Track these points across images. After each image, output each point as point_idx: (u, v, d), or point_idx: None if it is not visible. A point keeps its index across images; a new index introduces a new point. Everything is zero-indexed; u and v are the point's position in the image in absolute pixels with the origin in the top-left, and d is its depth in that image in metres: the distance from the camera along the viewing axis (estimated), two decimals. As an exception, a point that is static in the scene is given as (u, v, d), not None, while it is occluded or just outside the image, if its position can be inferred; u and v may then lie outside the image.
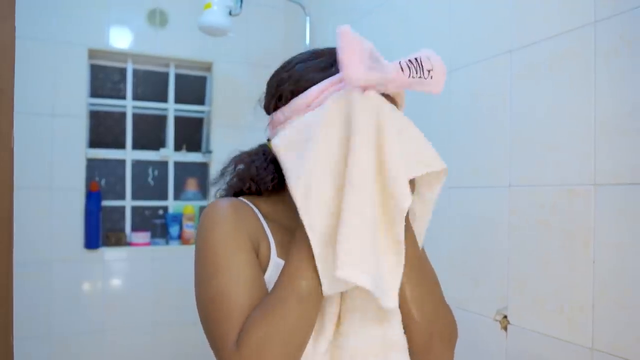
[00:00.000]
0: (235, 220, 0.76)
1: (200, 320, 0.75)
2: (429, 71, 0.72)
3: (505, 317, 1.24)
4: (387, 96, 0.76)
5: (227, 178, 0.92)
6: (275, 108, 0.82)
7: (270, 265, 0.77)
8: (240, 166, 0.90)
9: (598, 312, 1.01)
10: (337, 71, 0.75)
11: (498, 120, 1.28)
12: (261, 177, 0.86)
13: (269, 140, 0.85)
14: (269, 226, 0.80)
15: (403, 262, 0.65)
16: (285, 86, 0.80)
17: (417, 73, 0.72)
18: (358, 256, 0.62)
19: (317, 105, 0.76)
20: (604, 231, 1.00)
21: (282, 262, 0.77)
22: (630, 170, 0.95)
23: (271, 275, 0.76)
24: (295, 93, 0.78)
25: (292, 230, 0.74)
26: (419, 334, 0.75)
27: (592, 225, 1.02)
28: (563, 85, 1.10)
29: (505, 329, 1.24)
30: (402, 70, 0.71)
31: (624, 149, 0.96)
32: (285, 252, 0.77)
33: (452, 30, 1.48)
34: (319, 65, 0.80)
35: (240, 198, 0.84)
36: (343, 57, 0.67)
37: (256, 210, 0.81)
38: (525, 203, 1.20)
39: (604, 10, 1.01)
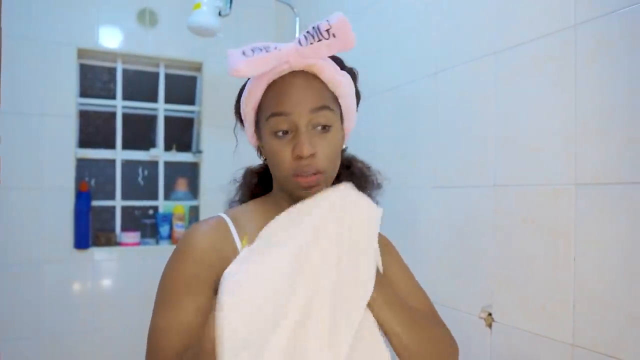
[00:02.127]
0: (201, 253, 0.79)
1: None
2: (327, 31, 0.73)
3: (490, 314, 1.26)
4: (309, 74, 0.78)
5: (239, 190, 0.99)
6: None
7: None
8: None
9: (578, 309, 1.03)
10: None
11: (483, 121, 1.31)
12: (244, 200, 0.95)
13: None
14: (242, 242, 0.82)
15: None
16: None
17: (314, 38, 0.74)
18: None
19: (246, 105, 0.84)
20: (584, 230, 1.03)
21: None
22: (609, 171, 0.98)
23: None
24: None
25: None
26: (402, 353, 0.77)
27: (573, 223, 1.05)
28: (545, 86, 1.13)
29: (490, 326, 1.26)
30: (300, 43, 0.75)
31: (604, 149, 0.99)
32: None
33: (438, 32, 1.50)
34: None
35: (224, 217, 0.85)
36: (228, 64, 0.73)
37: (233, 230, 0.83)
38: (510, 202, 1.22)
39: (584, 13, 1.03)
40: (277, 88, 0.78)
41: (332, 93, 0.80)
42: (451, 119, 1.43)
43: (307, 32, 0.74)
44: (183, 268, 0.78)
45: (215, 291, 0.79)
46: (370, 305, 0.73)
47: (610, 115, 0.98)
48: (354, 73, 0.88)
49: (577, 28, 1.05)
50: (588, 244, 1.02)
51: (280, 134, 0.76)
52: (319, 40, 0.73)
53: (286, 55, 0.75)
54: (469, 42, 1.36)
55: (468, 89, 1.37)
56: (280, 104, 0.76)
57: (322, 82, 0.79)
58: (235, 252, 0.81)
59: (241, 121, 0.91)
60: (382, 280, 0.77)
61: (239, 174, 0.98)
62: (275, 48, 0.74)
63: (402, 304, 0.78)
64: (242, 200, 0.96)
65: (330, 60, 0.81)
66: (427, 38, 1.54)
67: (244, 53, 0.73)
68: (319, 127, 0.77)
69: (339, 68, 0.82)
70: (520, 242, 1.18)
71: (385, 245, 0.92)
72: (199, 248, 0.79)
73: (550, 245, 1.10)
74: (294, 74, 0.78)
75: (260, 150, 0.89)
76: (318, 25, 0.74)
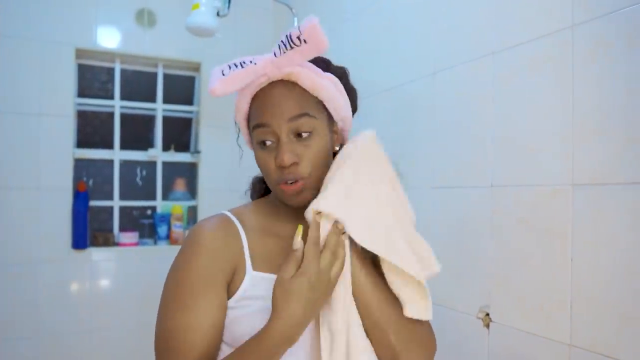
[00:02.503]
0: (214, 250, 0.80)
1: (154, 347, 0.78)
2: (298, 37, 0.73)
3: (488, 314, 1.26)
4: (289, 83, 0.80)
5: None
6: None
7: (245, 279, 0.80)
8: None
9: (576, 309, 1.03)
10: None
11: (481, 121, 1.31)
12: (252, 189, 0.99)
13: None
14: (249, 241, 0.83)
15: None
16: None
17: (287, 47, 0.74)
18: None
19: (238, 112, 0.86)
20: (581, 230, 1.03)
21: (257, 274, 0.81)
22: (607, 171, 0.98)
23: (246, 288, 0.79)
24: None
25: (275, 237, 0.84)
26: (382, 344, 0.77)
27: (570, 224, 1.05)
28: (543, 87, 1.13)
29: (488, 326, 1.26)
30: (275, 54, 0.76)
31: (601, 150, 0.99)
32: (264, 262, 0.82)
33: (436, 32, 1.50)
34: None
35: (228, 214, 0.87)
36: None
37: (239, 228, 0.84)
38: (507, 203, 1.22)
39: (582, 14, 1.03)
40: (259, 100, 0.80)
41: (315, 98, 0.81)
42: (449, 119, 1.43)
43: (281, 41, 0.75)
44: (197, 265, 0.78)
45: (227, 288, 0.80)
46: (354, 283, 0.75)
47: (607, 116, 0.98)
48: (343, 72, 0.89)
49: (574, 29, 1.05)
50: (585, 244, 1.02)
51: (264, 144, 0.79)
52: (292, 48, 0.74)
53: (262, 68, 0.77)
54: (468, 43, 1.37)
55: (466, 89, 1.37)
56: (261, 116, 0.78)
57: (302, 89, 0.79)
58: (241, 249, 0.82)
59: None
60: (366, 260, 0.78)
61: (249, 185, 1.01)
62: (251, 62, 0.76)
63: (383, 284, 0.77)
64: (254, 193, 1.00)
65: (311, 65, 0.81)
66: (426, 38, 1.54)
67: (222, 72, 0.77)
68: (301, 134, 0.78)
69: (321, 71, 0.82)
70: (517, 242, 1.19)
71: None
72: (210, 244, 0.80)
73: (548, 246, 1.10)
74: (273, 84, 0.79)
75: None
76: (290, 33, 0.75)
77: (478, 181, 1.31)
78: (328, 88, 0.81)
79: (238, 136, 0.94)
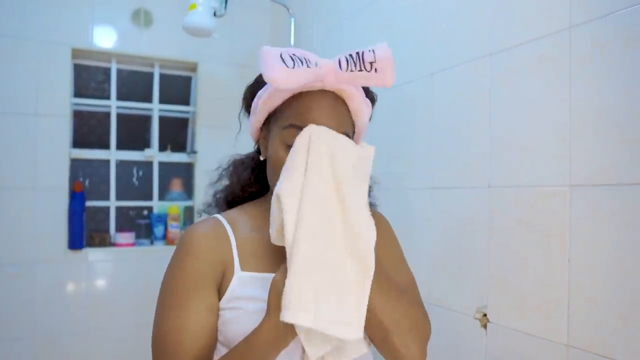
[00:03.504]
0: (203, 252, 0.80)
1: (151, 349, 0.79)
2: (371, 64, 0.72)
3: (485, 315, 1.27)
4: (338, 98, 0.78)
5: (223, 181, 0.97)
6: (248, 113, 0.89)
7: (233, 280, 0.80)
8: (226, 178, 0.97)
9: (573, 310, 1.04)
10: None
11: (478, 122, 1.31)
12: (235, 193, 0.94)
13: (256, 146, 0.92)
14: (237, 241, 0.83)
15: (367, 297, 0.67)
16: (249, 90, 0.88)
17: (356, 67, 0.72)
18: (308, 295, 0.64)
19: (258, 107, 0.82)
20: (578, 230, 1.03)
21: (245, 274, 0.81)
22: (604, 172, 0.98)
23: (234, 289, 0.80)
24: (255, 96, 0.85)
25: (266, 236, 0.80)
26: (374, 326, 0.74)
27: (568, 224, 1.05)
28: (540, 88, 1.13)
29: (485, 327, 1.26)
30: (340, 65, 0.73)
31: (598, 151, 0.99)
32: (253, 262, 0.82)
33: (434, 33, 1.50)
34: None
35: (218, 217, 0.87)
36: (262, 66, 0.70)
37: (228, 229, 0.84)
38: (504, 203, 1.22)
39: (579, 16, 1.04)
40: (302, 101, 0.76)
41: (352, 120, 0.81)
42: (447, 120, 1.43)
43: (350, 55, 0.73)
44: (188, 268, 0.79)
45: (218, 290, 0.80)
46: None
47: (605, 117, 0.98)
48: (374, 100, 0.88)
49: (572, 30, 1.05)
50: (583, 245, 1.02)
51: (290, 145, 0.75)
52: (360, 70, 0.72)
53: (324, 75, 0.74)
54: (466, 44, 1.37)
55: (464, 90, 1.37)
56: (303, 119, 0.75)
57: (347, 108, 0.79)
58: (230, 250, 0.82)
59: (247, 109, 0.90)
60: None
61: (225, 162, 0.97)
62: (316, 65, 0.73)
63: (380, 273, 0.76)
64: (230, 192, 0.95)
65: (361, 90, 0.81)
66: (424, 39, 1.54)
67: (282, 59, 0.70)
68: None
69: (364, 95, 0.81)
70: (515, 243, 1.19)
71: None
72: (201, 247, 0.80)
73: (545, 246, 1.11)
74: (323, 93, 0.77)
75: (259, 144, 0.89)
76: (363, 53, 0.72)
77: (476, 182, 1.32)
78: (366, 115, 0.82)
79: (241, 111, 0.92)
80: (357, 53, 0.72)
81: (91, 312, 2.43)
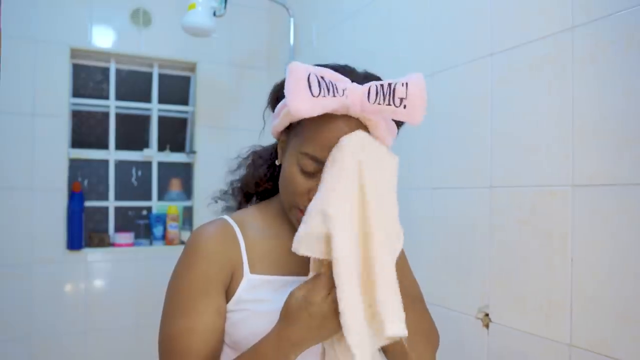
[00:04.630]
0: (211, 256, 0.79)
1: (158, 351, 0.79)
2: (401, 100, 0.68)
3: (487, 315, 1.27)
4: (361, 124, 0.75)
5: (241, 172, 0.95)
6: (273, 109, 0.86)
7: (242, 282, 0.80)
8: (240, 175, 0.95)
9: (575, 309, 1.04)
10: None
11: (479, 122, 1.31)
12: (249, 186, 0.92)
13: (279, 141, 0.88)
14: (247, 244, 0.83)
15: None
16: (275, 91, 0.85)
17: (384, 100, 0.69)
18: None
19: (281, 114, 0.79)
20: (581, 230, 1.03)
21: (255, 277, 0.80)
22: (605, 172, 0.99)
23: (243, 291, 0.79)
24: (280, 99, 0.82)
25: (275, 238, 0.84)
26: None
27: (570, 224, 1.05)
28: (542, 88, 1.13)
29: (487, 326, 1.27)
30: (369, 96, 0.70)
31: (600, 151, 1.00)
32: (262, 264, 0.82)
33: (434, 33, 1.50)
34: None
35: (226, 218, 0.86)
36: (287, 89, 0.67)
37: (237, 231, 0.83)
38: (506, 203, 1.23)
39: (581, 17, 1.04)
40: (324, 131, 0.73)
41: None
42: (448, 120, 1.44)
43: (381, 86, 0.69)
44: (196, 271, 0.79)
45: (226, 294, 0.80)
46: None
47: (606, 117, 0.99)
48: (400, 125, 0.83)
49: (574, 30, 1.06)
50: (585, 245, 1.03)
51: (306, 172, 0.75)
52: (388, 104, 0.69)
53: (350, 105, 0.71)
54: (466, 44, 1.37)
55: (465, 91, 1.37)
56: (320, 151, 0.73)
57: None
58: (239, 253, 0.82)
59: (272, 107, 0.86)
60: None
61: (244, 153, 0.95)
62: (343, 92, 0.70)
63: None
64: (245, 183, 0.94)
65: (390, 123, 0.78)
66: (424, 39, 1.54)
67: (309, 84, 0.67)
68: None
69: (393, 127, 0.79)
70: (517, 242, 1.19)
71: None
72: (210, 250, 0.80)
73: (548, 246, 1.11)
74: (347, 118, 0.73)
75: (278, 144, 0.86)
76: (395, 86, 0.69)
77: (477, 182, 1.32)
78: (388, 142, 0.79)
79: (266, 109, 0.89)
80: (390, 85, 0.69)
81: (90, 312, 2.43)
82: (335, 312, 0.65)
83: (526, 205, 1.17)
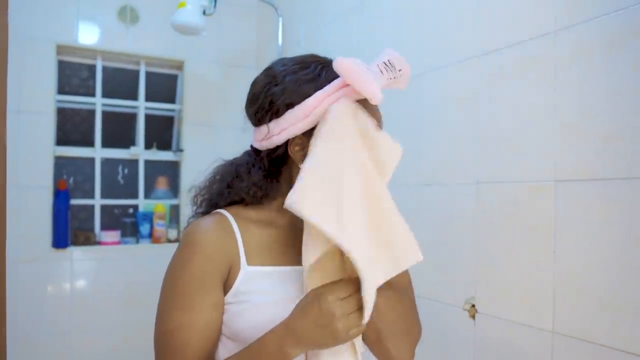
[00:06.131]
0: (207, 250, 0.79)
1: (154, 347, 0.79)
2: (399, 70, 0.79)
3: (474, 306, 1.32)
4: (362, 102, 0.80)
5: (213, 188, 0.91)
6: (270, 120, 0.81)
7: (240, 274, 0.80)
8: (225, 177, 0.90)
9: (558, 299, 1.09)
10: (325, 81, 0.80)
11: (466, 120, 1.36)
12: (253, 193, 0.86)
13: (252, 147, 0.88)
14: (243, 236, 0.83)
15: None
16: (280, 100, 0.80)
17: (391, 73, 0.78)
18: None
19: (314, 115, 0.78)
20: (563, 224, 1.09)
21: (252, 268, 0.81)
22: (587, 168, 1.04)
23: (241, 283, 0.80)
24: (290, 106, 0.79)
25: (272, 229, 0.85)
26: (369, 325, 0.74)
27: (553, 218, 1.11)
28: (527, 88, 1.19)
29: (474, 317, 1.31)
30: (382, 73, 0.78)
31: (582, 148, 1.05)
32: (259, 255, 0.82)
33: (422, 34, 1.55)
34: (308, 76, 0.81)
35: (222, 212, 0.85)
36: (361, 86, 0.74)
37: (234, 224, 0.83)
38: (492, 199, 1.27)
39: (563, 20, 1.09)
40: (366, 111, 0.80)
41: None
42: (435, 119, 1.48)
43: (385, 64, 0.78)
44: (193, 265, 0.78)
45: (224, 286, 0.81)
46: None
47: (588, 115, 1.04)
48: None
49: (557, 33, 1.11)
50: (567, 237, 1.08)
51: None
52: (394, 78, 0.79)
53: (384, 85, 0.79)
54: (453, 45, 1.42)
55: (452, 90, 1.42)
56: None
57: None
58: (235, 245, 0.81)
59: (265, 112, 0.82)
60: None
61: (218, 167, 0.92)
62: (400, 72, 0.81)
63: None
64: (210, 199, 0.91)
65: None
66: (410, 40, 1.59)
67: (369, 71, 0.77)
68: None
69: None
70: (502, 236, 1.24)
71: None
72: (207, 244, 0.79)
73: (532, 239, 1.16)
74: (375, 108, 0.87)
75: (291, 147, 0.82)
76: (393, 61, 0.79)
77: (464, 178, 1.36)
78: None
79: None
80: (389, 61, 0.78)
81: (75, 312, 2.41)
82: (344, 316, 0.68)
83: (511, 200, 1.22)
